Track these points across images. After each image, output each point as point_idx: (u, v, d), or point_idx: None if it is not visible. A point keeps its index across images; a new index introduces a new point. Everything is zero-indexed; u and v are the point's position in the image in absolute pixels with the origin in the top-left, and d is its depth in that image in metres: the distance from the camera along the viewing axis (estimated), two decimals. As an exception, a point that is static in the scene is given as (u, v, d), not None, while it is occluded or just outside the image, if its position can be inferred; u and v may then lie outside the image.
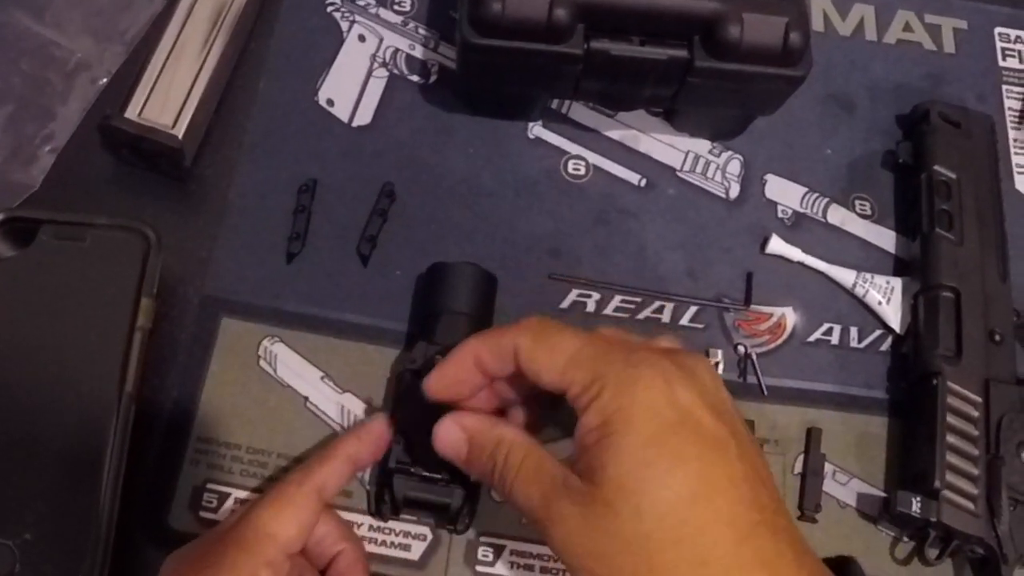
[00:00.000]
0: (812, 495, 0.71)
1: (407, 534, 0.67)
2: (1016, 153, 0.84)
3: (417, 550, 0.67)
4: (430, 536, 0.67)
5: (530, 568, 0.67)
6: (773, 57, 0.70)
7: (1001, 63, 0.89)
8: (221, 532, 0.60)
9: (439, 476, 0.64)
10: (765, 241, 0.78)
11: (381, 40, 0.82)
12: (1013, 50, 0.89)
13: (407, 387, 0.66)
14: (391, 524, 0.67)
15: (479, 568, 0.67)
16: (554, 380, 0.56)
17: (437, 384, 0.61)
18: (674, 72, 0.71)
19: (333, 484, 0.63)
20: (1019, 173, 0.84)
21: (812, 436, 0.72)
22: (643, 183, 0.80)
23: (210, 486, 0.67)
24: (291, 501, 0.60)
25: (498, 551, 0.68)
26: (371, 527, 0.67)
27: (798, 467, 0.72)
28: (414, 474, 0.64)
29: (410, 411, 0.65)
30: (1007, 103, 0.87)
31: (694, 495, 0.51)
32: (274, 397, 0.69)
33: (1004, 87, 0.87)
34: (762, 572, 0.51)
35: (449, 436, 0.60)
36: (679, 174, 0.81)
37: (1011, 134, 0.85)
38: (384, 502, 0.65)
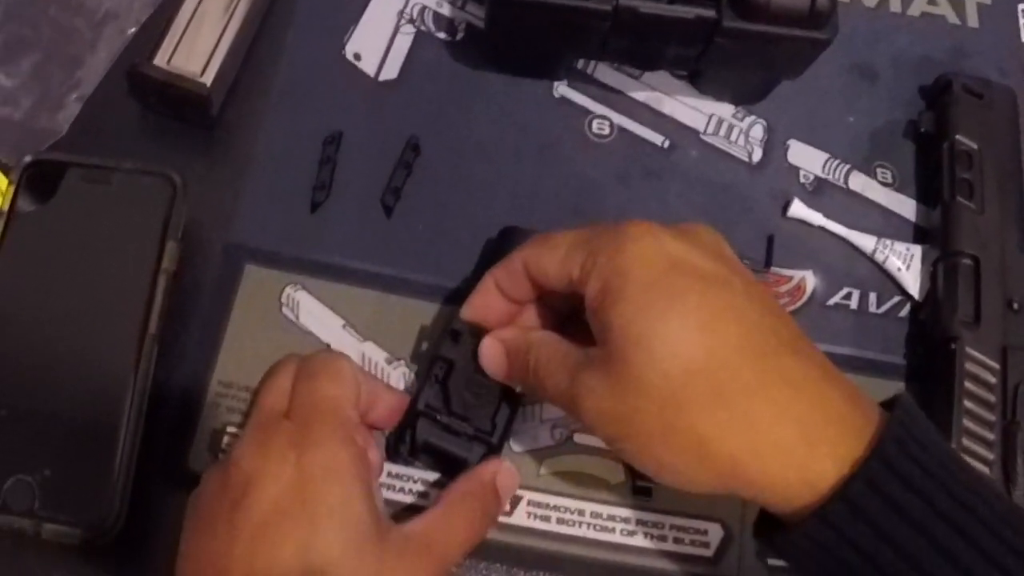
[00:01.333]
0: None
1: (424, 481, 0.68)
2: (1037, 128, 0.85)
3: (426, 498, 0.68)
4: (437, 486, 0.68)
5: (547, 519, 0.68)
6: (800, 19, 0.70)
7: (1024, 39, 0.89)
8: (275, 417, 0.59)
9: (463, 430, 0.64)
10: (787, 205, 0.78)
11: (409, -3, 0.83)
12: (1035, 26, 0.90)
13: (451, 338, 0.66)
14: (411, 471, 0.68)
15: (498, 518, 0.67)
16: (558, 273, 0.58)
17: (468, 312, 0.64)
18: (701, 32, 0.71)
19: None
20: (1038, 148, 0.84)
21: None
22: (666, 144, 0.80)
23: (230, 429, 0.68)
24: (340, 370, 0.62)
25: (515, 502, 0.68)
26: (389, 474, 0.67)
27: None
28: (439, 421, 0.65)
29: (449, 361, 0.66)
30: (1029, 78, 0.87)
31: (701, 326, 0.52)
32: (295, 343, 0.70)
33: (1026, 62, 0.88)
34: (786, 389, 0.52)
35: (491, 351, 0.62)
36: (702, 137, 0.81)
37: (1032, 109, 0.85)
38: (404, 443, 0.65)
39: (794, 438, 0.51)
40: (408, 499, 0.67)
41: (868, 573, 0.51)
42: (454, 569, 0.63)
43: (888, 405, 0.54)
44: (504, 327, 0.64)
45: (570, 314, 0.63)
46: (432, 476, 0.68)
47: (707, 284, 0.53)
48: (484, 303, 0.64)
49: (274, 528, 0.52)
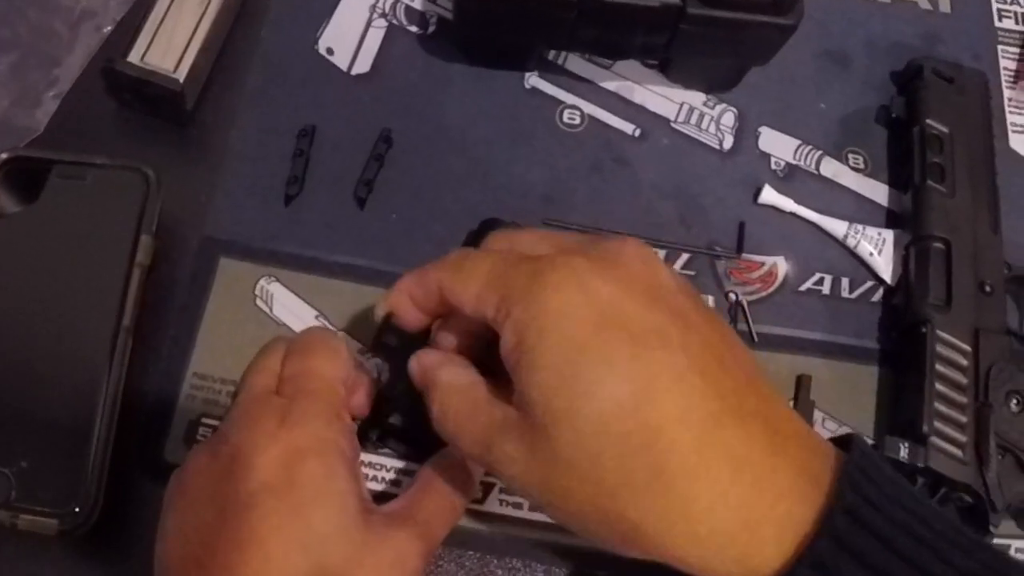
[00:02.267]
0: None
1: (399, 470, 0.68)
2: (1011, 112, 0.85)
3: (396, 485, 0.68)
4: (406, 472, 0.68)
5: (518, 506, 0.68)
6: (764, 5, 0.70)
7: (997, 24, 0.89)
8: (264, 395, 0.58)
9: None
10: (758, 192, 0.78)
11: (381, -9, 0.84)
12: (1009, 11, 0.90)
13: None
14: (379, 459, 0.68)
15: (468, 506, 0.66)
16: (473, 309, 0.53)
17: (380, 309, 0.61)
18: (667, 20, 0.71)
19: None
20: (1014, 132, 0.84)
21: (802, 383, 0.73)
22: (638, 133, 0.80)
23: (205, 420, 0.68)
24: (334, 348, 0.61)
25: (487, 490, 0.69)
26: (364, 463, 0.68)
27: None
28: (408, 407, 0.65)
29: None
30: (1002, 63, 0.87)
31: (635, 400, 0.46)
32: (269, 335, 0.70)
33: (1000, 47, 0.88)
34: (727, 469, 0.46)
35: (412, 374, 0.59)
36: (673, 125, 0.81)
37: (1006, 93, 0.86)
38: (374, 428, 0.66)
39: (735, 525, 0.46)
40: (379, 487, 0.68)
41: None
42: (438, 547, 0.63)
43: (841, 444, 0.50)
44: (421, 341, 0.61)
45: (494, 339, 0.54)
46: (400, 463, 0.69)
47: (640, 344, 0.47)
48: (399, 304, 0.60)
49: (263, 502, 0.52)
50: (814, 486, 0.47)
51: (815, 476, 0.47)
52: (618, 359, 0.47)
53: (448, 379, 0.56)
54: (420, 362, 0.58)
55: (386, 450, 0.68)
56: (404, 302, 0.59)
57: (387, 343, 0.63)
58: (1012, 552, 0.70)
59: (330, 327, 0.71)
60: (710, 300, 0.75)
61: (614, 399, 0.46)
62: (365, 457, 0.68)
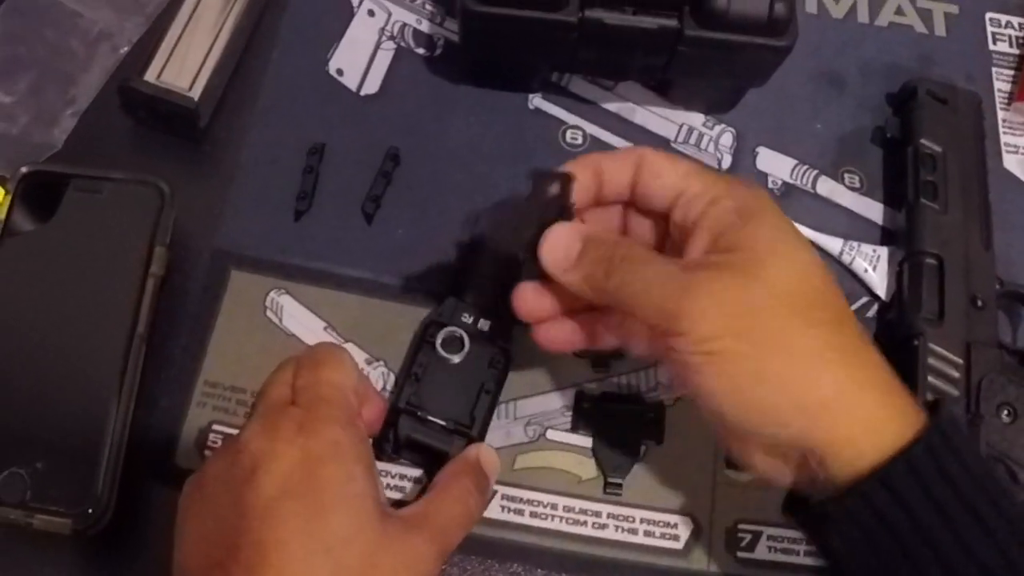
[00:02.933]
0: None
1: (403, 476, 0.70)
2: (1005, 133, 0.87)
3: (412, 493, 0.70)
4: (425, 479, 0.70)
5: (520, 512, 0.70)
6: (759, 27, 0.72)
7: (992, 47, 0.91)
8: (281, 405, 0.60)
9: (443, 424, 0.67)
10: (756, 210, 0.80)
11: (390, 15, 0.86)
12: (1004, 34, 0.92)
13: (430, 334, 0.70)
14: (388, 467, 0.70)
15: (476, 509, 0.69)
16: (675, 182, 0.59)
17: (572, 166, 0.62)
18: (665, 41, 0.73)
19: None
20: (1008, 152, 0.86)
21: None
22: (638, 153, 0.82)
23: (215, 427, 0.70)
24: (342, 358, 0.63)
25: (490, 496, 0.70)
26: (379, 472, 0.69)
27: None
28: (420, 417, 0.67)
29: (427, 358, 0.69)
30: (996, 85, 0.89)
31: (836, 288, 0.56)
32: (279, 345, 0.72)
33: (994, 69, 0.90)
34: (876, 357, 0.55)
35: (563, 239, 0.59)
36: (673, 145, 0.83)
37: (1000, 114, 0.87)
38: (388, 440, 0.68)
39: (880, 401, 0.54)
40: (394, 495, 0.70)
41: (903, 551, 0.53)
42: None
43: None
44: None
45: None
46: (416, 472, 0.70)
47: (805, 246, 0.57)
48: (584, 169, 0.62)
49: (283, 506, 0.54)
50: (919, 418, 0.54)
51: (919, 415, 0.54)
52: (801, 244, 0.57)
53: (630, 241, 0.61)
54: (580, 228, 0.60)
55: (402, 460, 0.70)
56: (587, 168, 0.62)
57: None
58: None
59: (338, 339, 0.73)
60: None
61: (810, 261, 0.56)
62: (381, 467, 0.70)
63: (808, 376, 0.53)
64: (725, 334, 0.53)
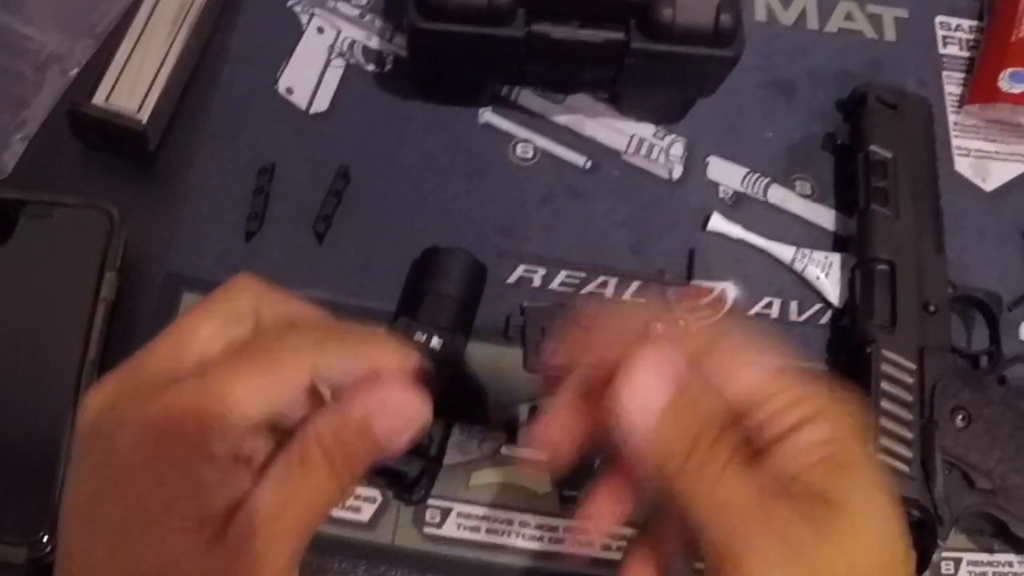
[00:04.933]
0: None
1: (357, 496, 0.70)
2: (956, 136, 0.87)
3: (367, 512, 0.70)
4: (379, 498, 0.70)
5: (476, 529, 0.70)
6: (706, 38, 0.73)
7: (942, 50, 0.91)
8: (164, 380, 0.43)
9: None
10: (707, 220, 0.80)
11: (339, 32, 0.86)
12: (953, 37, 0.92)
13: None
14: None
15: (427, 530, 0.69)
16: (757, 385, 0.45)
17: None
18: (612, 54, 0.74)
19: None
20: (959, 155, 0.86)
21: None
22: (588, 165, 0.82)
23: (169, 452, 0.70)
24: (274, 371, 0.43)
25: (445, 513, 0.70)
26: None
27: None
28: None
29: None
30: (947, 88, 0.89)
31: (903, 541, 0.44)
32: (231, 367, 0.72)
33: (944, 73, 0.90)
34: None
35: (652, 378, 0.44)
36: (624, 157, 0.83)
37: (951, 118, 0.88)
38: None
39: None
40: (348, 515, 0.69)
41: None
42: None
43: None
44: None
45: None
46: (372, 492, 0.70)
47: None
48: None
49: None
50: None
51: None
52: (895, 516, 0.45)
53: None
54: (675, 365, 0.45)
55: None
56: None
57: None
58: (963, 565, 0.71)
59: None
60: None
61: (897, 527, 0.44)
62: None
63: None
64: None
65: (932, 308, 0.74)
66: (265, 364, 0.43)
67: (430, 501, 0.70)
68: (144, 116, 0.75)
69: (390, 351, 0.48)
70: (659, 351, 0.44)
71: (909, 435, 0.70)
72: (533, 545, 0.70)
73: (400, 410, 0.45)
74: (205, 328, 0.45)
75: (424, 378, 0.47)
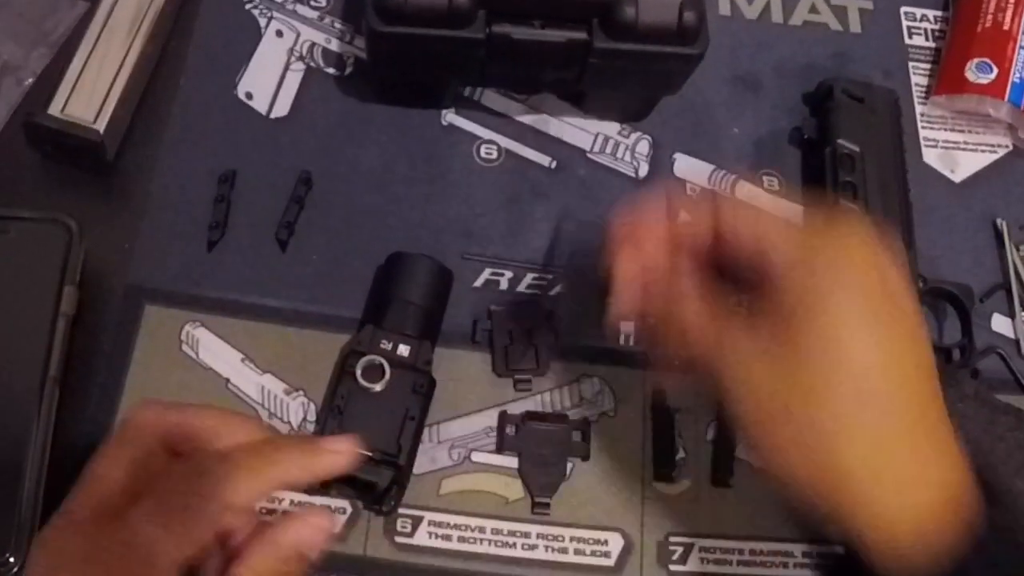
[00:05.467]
0: (725, 461, 0.72)
1: (328, 508, 0.69)
2: (924, 127, 0.87)
3: (337, 523, 0.69)
4: (350, 509, 0.69)
5: (448, 538, 0.69)
6: (669, 36, 0.72)
7: (908, 41, 0.91)
8: (99, 521, 0.52)
9: (370, 455, 0.66)
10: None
11: (298, 35, 0.85)
12: (919, 28, 0.92)
13: (349, 365, 0.69)
14: (312, 499, 0.69)
15: (398, 539, 0.69)
16: (750, 241, 0.56)
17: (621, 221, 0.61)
18: (575, 54, 0.73)
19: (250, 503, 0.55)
20: (927, 146, 0.86)
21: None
22: (554, 165, 0.82)
23: (135, 467, 0.69)
24: (192, 520, 0.52)
25: (416, 522, 0.69)
26: (292, 503, 0.69)
27: (711, 434, 0.74)
28: None
29: (349, 389, 0.68)
30: (914, 79, 0.89)
31: (886, 366, 0.51)
32: (196, 380, 0.71)
33: (911, 63, 0.90)
34: (933, 451, 0.52)
35: (629, 271, 0.59)
36: (589, 155, 0.83)
37: (918, 109, 0.87)
38: None
39: (925, 504, 0.51)
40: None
41: None
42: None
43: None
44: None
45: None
46: (342, 503, 0.70)
47: (900, 323, 0.53)
48: (645, 215, 0.61)
49: None
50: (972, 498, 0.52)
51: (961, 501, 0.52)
52: (884, 328, 0.52)
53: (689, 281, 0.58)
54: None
55: (332, 493, 0.69)
56: (657, 204, 0.61)
57: None
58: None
59: (255, 370, 0.72)
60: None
61: (874, 356, 0.52)
62: (306, 499, 0.70)
63: (833, 446, 0.52)
64: (752, 395, 0.53)
65: (903, 302, 0.74)
66: (183, 515, 0.51)
67: (401, 510, 0.69)
68: (101, 125, 0.74)
69: (299, 469, 0.57)
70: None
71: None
72: (506, 552, 0.69)
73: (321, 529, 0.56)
74: (116, 473, 0.54)
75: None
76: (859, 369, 0.51)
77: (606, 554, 0.70)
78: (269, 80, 0.83)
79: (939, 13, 0.93)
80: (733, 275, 0.59)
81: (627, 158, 0.82)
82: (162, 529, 0.51)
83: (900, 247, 0.62)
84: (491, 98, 0.84)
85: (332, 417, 0.67)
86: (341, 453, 0.58)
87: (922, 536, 0.50)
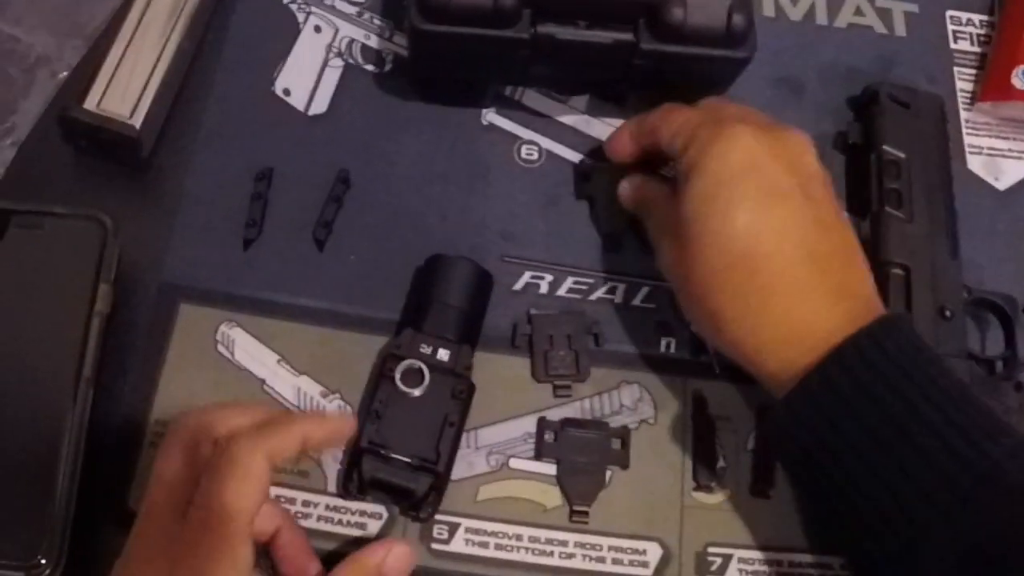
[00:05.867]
0: (765, 471, 0.72)
1: (363, 512, 0.68)
2: (968, 134, 0.85)
3: (373, 528, 0.68)
4: (386, 514, 0.68)
5: (484, 545, 0.68)
6: (717, 39, 0.71)
7: (953, 45, 0.90)
8: (165, 518, 0.56)
9: (408, 460, 0.65)
10: (717, 222, 0.78)
11: (336, 31, 0.84)
12: (964, 32, 0.90)
13: (388, 368, 0.68)
14: (348, 504, 0.68)
15: (434, 546, 0.68)
16: (668, 145, 0.69)
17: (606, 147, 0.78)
18: (620, 55, 0.72)
19: (281, 457, 0.57)
20: (971, 153, 0.85)
21: (764, 414, 0.73)
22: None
23: (169, 469, 0.68)
24: (249, 471, 0.55)
25: (453, 529, 0.68)
26: (328, 507, 0.68)
27: (751, 443, 0.73)
28: (384, 456, 0.66)
29: (387, 393, 0.67)
30: (959, 84, 0.88)
31: (752, 234, 0.62)
32: (231, 380, 0.71)
33: (955, 69, 0.88)
34: (801, 301, 0.62)
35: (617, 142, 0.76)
36: (631, 156, 0.81)
37: (963, 115, 0.86)
38: (352, 481, 0.67)
39: (794, 339, 0.62)
40: (355, 532, 0.68)
41: (848, 449, 0.59)
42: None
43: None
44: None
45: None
46: (378, 508, 0.69)
47: (769, 195, 0.63)
48: (620, 136, 0.76)
49: None
50: (855, 329, 0.60)
51: (859, 324, 0.60)
52: (748, 200, 0.63)
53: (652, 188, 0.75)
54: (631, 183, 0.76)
55: (368, 499, 0.69)
56: (624, 135, 0.75)
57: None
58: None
59: (291, 371, 0.71)
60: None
61: (737, 229, 0.62)
62: (341, 504, 0.69)
63: (722, 325, 0.65)
64: (673, 280, 0.70)
65: (948, 313, 0.73)
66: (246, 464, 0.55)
67: (437, 516, 0.68)
68: (137, 121, 0.73)
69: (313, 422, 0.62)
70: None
71: (926, 444, 0.68)
72: (543, 560, 0.68)
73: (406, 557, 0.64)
74: (175, 466, 0.58)
75: None
76: (726, 241, 0.63)
77: (644, 564, 0.69)
78: (307, 76, 0.82)
79: (985, 18, 0.91)
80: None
81: (670, 160, 0.81)
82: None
83: (800, 138, 0.67)
84: (532, 98, 0.83)
85: (371, 422, 0.66)
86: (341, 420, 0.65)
87: (788, 368, 0.62)
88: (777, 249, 0.62)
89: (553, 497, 0.70)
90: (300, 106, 0.81)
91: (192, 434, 0.58)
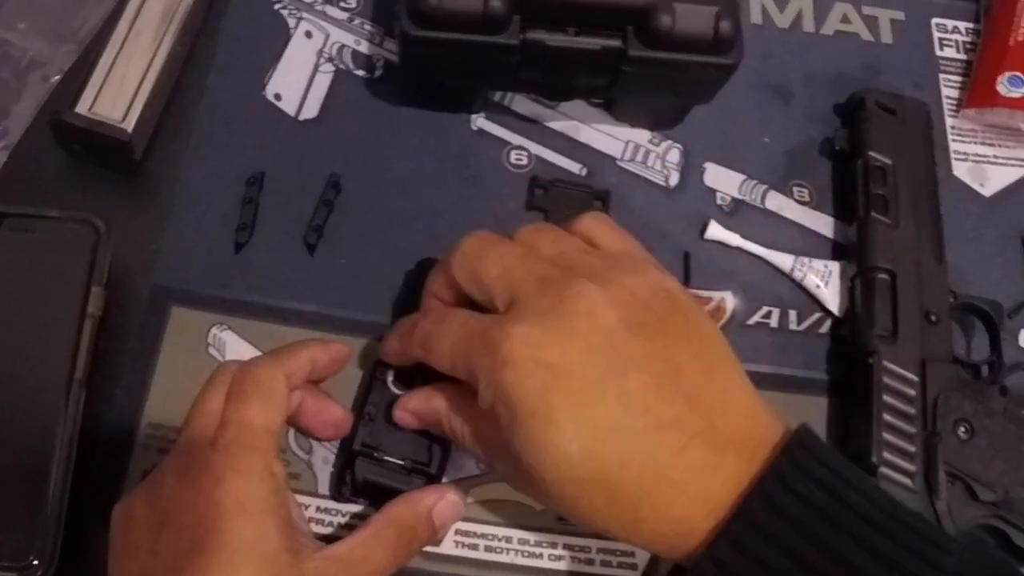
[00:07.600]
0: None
1: (354, 515, 0.69)
2: (954, 140, 0.86)
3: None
4: (378, 518, 0.69)
5: (474, 547, 0.69)
6: (705, 45, 0.71)
7: (938, 52, 0.90)
8: (202, 442, 0.58)
9: (401, 463, 0.66)
10: (704, 227, 0.79)
11: (327, 36, 0.84)
12: (950, 40, 0.91)
13: (380, 372, 0.68)
14: (340, 506, 0.69)
15: (425, 548, 0.67)
16: (450, 372, 0.60)
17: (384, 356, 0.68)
18: (609, 62, 0.72)
19: (296, 377, 0.63)
20: (957, 159, 0.85)
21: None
22: (584, 172, 0.81)
23: (160, 471, 0.68)
24: (272, 391, 0.60)
25: (442, 531, 0.69)
26: (318, 508, 0.69)
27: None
28: (377, 459, 0.66)
29: (379, 397, 0.67)
30: (944, 91, 0.88)
31: (583, 453, 0.53)
32: (222, 383, 0.71)
33: (941, 75, 0.89)
34: (668, 492, 0.53)
35: (404, 419, 0.65)
36: (619, 163, 0.82)
37: (948, 122, 0.87)
38: (345, 483, 0.67)
39: (674, 531, 0.53)
40: (345, 535, 0.67)
41: None
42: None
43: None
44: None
45: None
46: (370, 511, 0.69)
47: (581, 403, 0.53)
48: (388, 353, 0.67)
49: (193, 560, 0.53)
50: (743, 493, 0.52)
51: (749, 480, 0.53)
52: (563, 420, 0.53)
53: (448, 406, 0.63)
54: (408, 407, 0.65)
55: (361, 501, 0.69)
56: (393, 342, 0.66)
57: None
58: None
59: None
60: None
61: (566, 455, 0.53)
62: (333, 507, 0.69)
63: (601, 529, 0.56)
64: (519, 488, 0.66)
65: (933, 318, 0.74)
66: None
67: (428, 519, 0.69)
68: (129, 125, 0.74)
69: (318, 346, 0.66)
70: (399, 404, 0.66)
71: (912, 448, 0.69)
72: (532, 562, 0.69)
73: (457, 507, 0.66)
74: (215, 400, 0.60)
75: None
76: (557, 468, 0.54)
77: (632, 566, 0.69)
78: (298, 81, 0.82)
79: (971, 25, 0.92)
80: None
81: (657, 166, 0.82)
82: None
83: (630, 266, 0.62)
84: (521, 103, 0.83)
85: (363, 424, 0.67)
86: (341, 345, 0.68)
87: (687, 540, 0.53)
88: (620, 457, 0.53)
89: (542, 499, 0.70)
90: (291, 111, 0.81)
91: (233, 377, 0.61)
